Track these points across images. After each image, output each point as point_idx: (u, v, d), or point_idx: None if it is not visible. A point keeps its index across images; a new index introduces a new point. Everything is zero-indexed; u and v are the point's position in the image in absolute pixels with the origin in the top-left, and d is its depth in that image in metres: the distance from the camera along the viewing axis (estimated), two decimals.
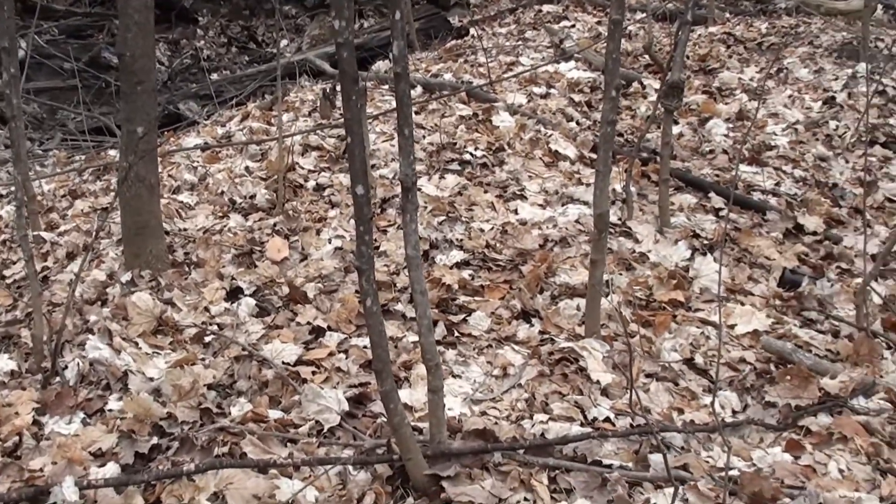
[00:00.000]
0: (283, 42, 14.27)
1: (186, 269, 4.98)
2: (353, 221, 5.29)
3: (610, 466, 3.39)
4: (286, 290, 4.69)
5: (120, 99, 4.71)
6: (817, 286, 5.03)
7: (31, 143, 9.69)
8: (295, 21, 15.00)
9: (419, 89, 7.91)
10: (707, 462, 3.50)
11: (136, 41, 4.53)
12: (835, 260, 5.48)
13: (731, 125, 7.50)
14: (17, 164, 4.08)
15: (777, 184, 6.46)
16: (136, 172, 4.66)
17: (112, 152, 8.07)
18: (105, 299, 4.70)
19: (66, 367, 4.07)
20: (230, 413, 3.73)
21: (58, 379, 4.01)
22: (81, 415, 3.76)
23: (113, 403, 3.81)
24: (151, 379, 3.94)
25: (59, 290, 4.87)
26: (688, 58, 9.07)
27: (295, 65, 10.32)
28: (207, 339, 4.34)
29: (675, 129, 6.99)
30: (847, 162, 6.97)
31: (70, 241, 5.47)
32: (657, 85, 8.08)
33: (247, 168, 6.42)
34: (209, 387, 3.89)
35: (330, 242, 5.22)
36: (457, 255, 5.10)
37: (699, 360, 4.27)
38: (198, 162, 6.78)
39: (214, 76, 12.56)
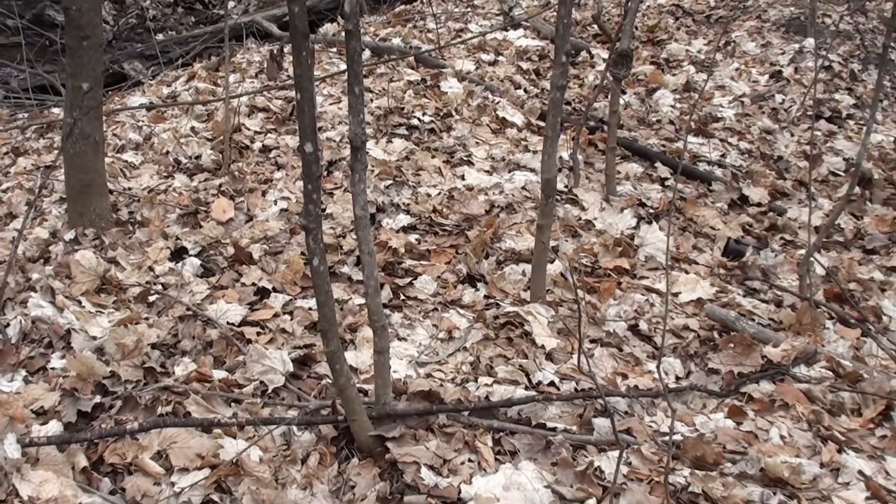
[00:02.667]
0: (231, 3, 14.05)
1: (131, 228, 4.91)
2: (299, 183, 5.31)
3: (554, 429, 3.42)
4: (231, 250, 4.65)
5: (65, 55, 4.60)
6: (761, 256, 5.10)
7: None
8: None
9: (367, 53, 7.85)
10: (650, 427, 3.54)
11: None
12: (779, 231, 5.57)
13: (677, 96, 7.56)
14: None
15: (723, 155, 6.54)
16: (80, 129, 4.58)
17: (56, 110, 7.92)
18: (48, 257, 4.63)
19: (8, 324, 3.99)
20: (174, 373, 3.69)
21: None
22: (23, 373, 3.70)
23: (56, 362, 3.75)
24: (94, 338, 3.88)
25: (0, 247, 4.78)
26: (636, 28, 9.12)
27: (242, 26, 10.16)
28: (151, 298, 4.29)
29: (623, 99, 7.02)
30: (792, 135, 7.07)
31: (11, 199, 5.36)
32: (605, 55, 8.11)
33: (192, 129, 6.34)
34: (153, 346, 3.85)
35: (276, 204, 5.19)
36: (403, 219, 5.10)
37: (643, 326, 4.31)
38: (143, 121, 6.67)
39: (160, 36, 12.31)
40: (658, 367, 3.15)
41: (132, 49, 11.67)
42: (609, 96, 5.88)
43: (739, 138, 6.89)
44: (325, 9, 11.89)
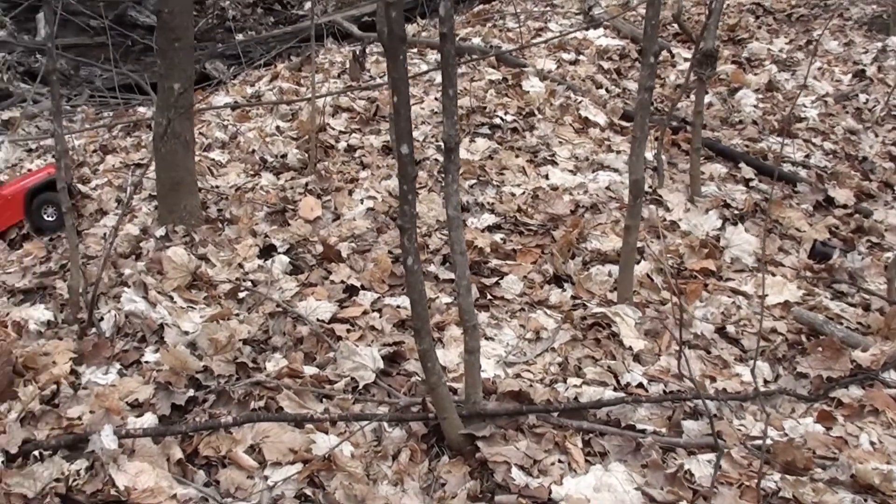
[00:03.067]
0: (308, 4, 14.20)
1: (220, 225, 5.00)
2: (385, 182, 5.36)
3: (643, 431, 3.41)
4: (319, 248, 4.71)
5: (154, 55, 4.70)
6: (848, 259, 5.02)
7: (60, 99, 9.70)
8: None
9: None
10: (739, 430, 3.51)
11: None
12: (865, 234, 5.47)
13: (760, 96, 7.45)
14: (55, 117, 4.08)
15: (807, 156, 6.44)
16: (172, 128, 4.68)
17: (142, 109, 8.08)
18: (139, 253, 4.73)
19: (102, 318, 4.10)
20: (265, 368, 3.75)
21: (94, 330, 4.03)
22: (118, 366, 3.79)
23: (149, 355, 3.83)
24: (186, 332, 3.96)
25: (92, 243, 4.90)
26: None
27: (323, 27, 10.25)
28: (241, 294, 4.36)
29: (705, 99, 6.95)
30: (876, 136, 6.93)
31: (101, 196, 5.49)
32: (686, 54, 8.04)
33: (277, 128, 6.42)
34: (244, 342, 3.91)
35: (362, 203, 5.23)
36: (488, 219, 5.11)
37: (731, 329, 4.27)
38: (228, 121, 6.78)
39: (240, 37, 12.50)
40: (753, 371, 3.12)
41: (213, 49, 11.86)
42: (693, 96, 5.82)
43: (823, 139, 6.77)
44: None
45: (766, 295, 4.59)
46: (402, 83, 2.78)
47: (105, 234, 5.02)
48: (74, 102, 9.74)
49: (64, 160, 4.08)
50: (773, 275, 4.82)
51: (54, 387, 3.59)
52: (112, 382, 3.63)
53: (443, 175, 4.69)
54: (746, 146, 6.50)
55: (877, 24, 9.01)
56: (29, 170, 6.29)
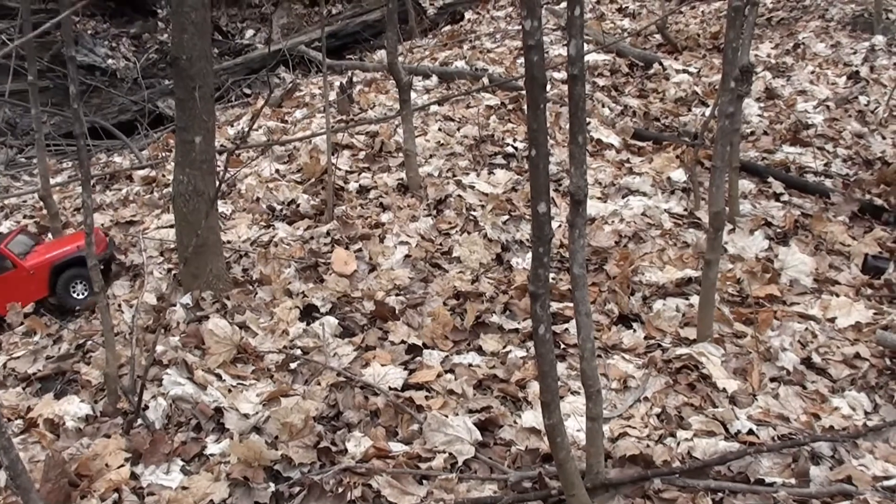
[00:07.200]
0: (250, 32, 13.81)
1: (250, 287, 4.58)
2: (413, 224, 5.00)
3: (772, 485, 3.14)
4: (368, 305, 4.33)
5: (175, 107, 4.30)
6: None
7: (11, 151, 9.16)
8: (259, 10, 14.55)
9: (434, 79, 7.56)
10: (863, 470, 3.26)
11: (192, 42, 4.13)
12: None
13: (762, 104, 7.27)
14: (84, 187, 3.65)
15: (826, 164, 6.24)
16: (194, 186, 4.29)
17: (118, 159, 7.60)
18: (167, 326, 4.30)
19: (147, 407, 3.67)
20: (346, 449, 3.38)
21: (140, 422, 3.61)
22: (179, 462, 3.39)
23: (212, 447, 3.44)
24: (247, 416, 3.56)
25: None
26: (698, 36, 8.86)
27: (288, 55, 9.90)
28: (293, 365, 3.97)
29: (707, 112, 6.75)
30: (884, 138, 6.78)
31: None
32: (677, 66, 7.84)
33: (277, 171, 6.03)
34: (314, 419, 3.53)
35: (396, 249, 4.86)
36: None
37: (816, 358, 4.02)
38: (218, 166, 6.35)
39: None
40: None
41: (163, 86, 11.37)
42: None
43: (834, 144, 6.59)
44: (352, 32, 11.66)
45: (835, 318, 4.37)
46: (541, 135, 2.48)
47: (118, 305, 4.60)
48: (28, 153, 9.17)
49: (91, 234, 3.66)
50: (837, 295, 4.58)
51: (115, 495, 3.19)
52: (181, 483, 3.24)
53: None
54: (764, 158, 6.29)
55: (859, 23, 8.92)
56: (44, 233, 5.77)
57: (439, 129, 6.32)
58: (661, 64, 7.94)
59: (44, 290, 4.80)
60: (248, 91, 11.21)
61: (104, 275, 4.58)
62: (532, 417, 3.48)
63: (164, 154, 7.14)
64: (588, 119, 6.59)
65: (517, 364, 3.90)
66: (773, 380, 3.90)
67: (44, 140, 4.86)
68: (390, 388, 3.70)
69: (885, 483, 3.17)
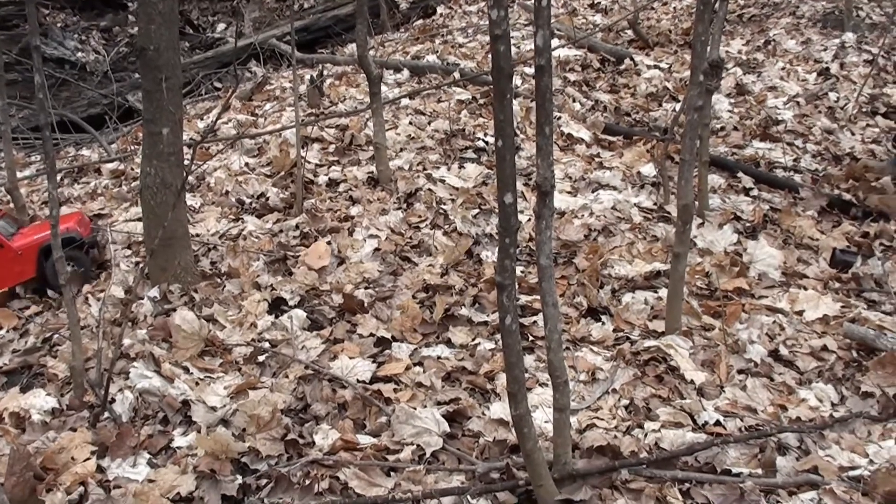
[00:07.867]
0: (221, 25, 13.72)
1: (218, 280, 4.56)
2: (383, 218, 4.99)
3: (739, 475, 3.15)
4: (336, 298, 4.31)
5: (143, 98, 4.26)
6: (870, 265, 4.84)
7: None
8: (231, 4, 14.45)
9: (406, 73, 7.54)
10: (829, 461, 3.28)
11: (160, 33, 4.10)
12: (875, 237, 5.31)
13: (732, 100, 7.30)
14: (50, 179, 3.61)
15: (796, 159, 6.29)
16: (161, 178, 4.25)
17: (86, 152, 7.53)
18: (134, 319, 4.26)
19: (114, 400, 3.64)
20: (314, 442, 3.36)
21: (107, 415, 3.58)
22: (146, 455, 3.36)
23: (179, 439, 3.42)
24: (214, 409, 3.54)
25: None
26: (669, 32, 8.89)
27: (258, 48, 9.85)
28: (261, 358, 3.95)
29: (677, 107, 6.77)
30: (853, 134, 6.83)
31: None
32: (648, 61, 7.86)
33: (246, 164, 5.99)
34: (282, 412, 3.52)
35: (365, 242, 4.85)
36: None
37: (783, 351, 4.04)
38: (186, 158, 6.31)
39: None
40: None
41: (133, 80, 11.27)
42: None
43: (804, 140, 6.64)
44: (323, 26, 11.61)
45: (802, 311, 4.39)
46: (507, 125, 2.46)
47: (85, 297, 4.56)
48: None
49: (56, 225, 3.63)
50: (805, 288, 4.61)
51: (81, 489, 3.16)
52: (147, 476, 3.21)
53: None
54: (735, 154, 6.32)
55: (830, 20, 8.98)
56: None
57: (410, 123, 6.31)
58: (632, 59, 7.96)
59: (31, 272, 4.75)
60: (219, 85, 11.12)
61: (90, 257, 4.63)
62: (500, 409, 3.47)
63: (132, 147, 7.07)
64: (559, 114, 6.60)
65: (486, 356, 3.90)
66: (740, 372, 3.91)
67: (10, 133, 4.78)
68: (358, 381, 3.69)
69: (851, 473, 3.19)
